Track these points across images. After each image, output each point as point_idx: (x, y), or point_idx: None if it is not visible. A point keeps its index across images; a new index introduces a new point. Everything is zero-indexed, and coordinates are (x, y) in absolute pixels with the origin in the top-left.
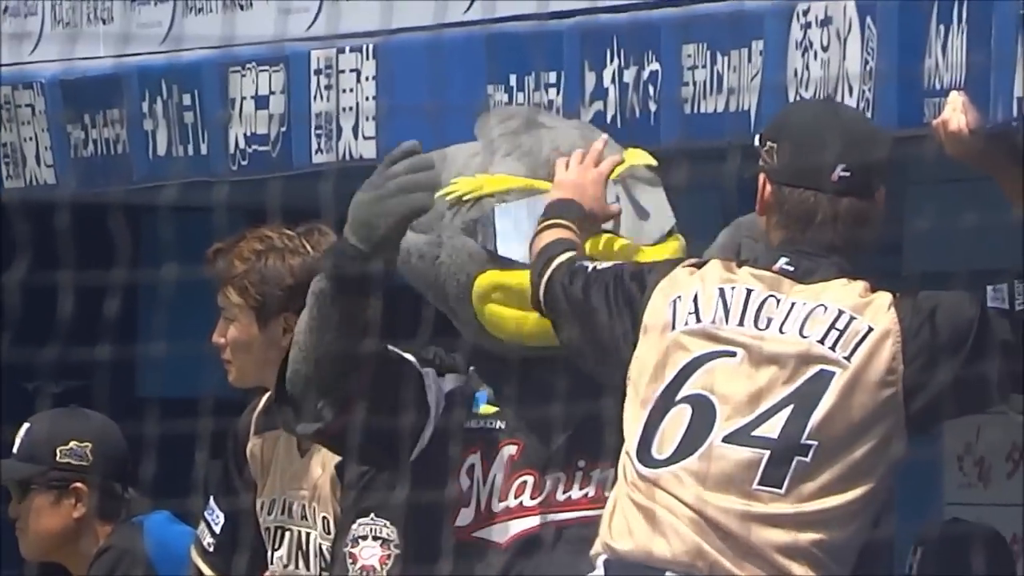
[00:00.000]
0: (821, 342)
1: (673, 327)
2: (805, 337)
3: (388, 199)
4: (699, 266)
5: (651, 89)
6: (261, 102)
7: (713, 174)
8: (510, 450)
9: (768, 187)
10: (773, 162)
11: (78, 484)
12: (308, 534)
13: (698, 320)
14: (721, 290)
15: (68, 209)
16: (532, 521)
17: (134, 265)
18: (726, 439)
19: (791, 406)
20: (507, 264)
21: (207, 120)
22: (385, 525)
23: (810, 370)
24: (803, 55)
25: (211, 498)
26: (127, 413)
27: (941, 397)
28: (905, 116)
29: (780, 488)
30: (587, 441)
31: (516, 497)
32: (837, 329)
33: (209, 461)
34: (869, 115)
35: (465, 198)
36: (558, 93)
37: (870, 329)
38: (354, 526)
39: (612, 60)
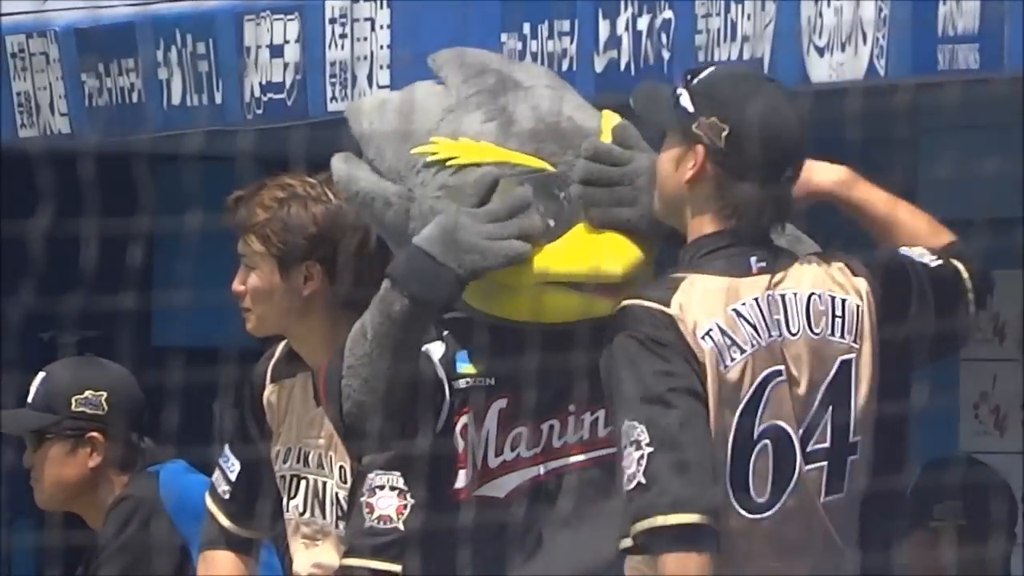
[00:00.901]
0: (832, 334)
1: (723, 362)
2: (817, 334)
3: (498, 241)
4: (677, 283)
5: (664, 37)
6: (276, 51)
7: None
8: (500, 404)
9: (708, 168)
10: (719, 143)
11: (94, 433)
12: (324, 483)
13: (741, 351)
14: (736, 311)
15: (85, 158)
16: (532, 471)
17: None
18: (806, 463)
19: (830, 407)
20: None
21: (222, 69)
22: (402, 475)
23: (832, 365)
24: (817, 2)
25: (226, 446)
26: (143, 362)
27: (916, 345)
28: (919, 63)
29: (842, 492)
30: (575, 386)
31: (512, 449)
32: (838, 316)
33: (228, 410)
34: (883, 62)
35: (448, 163)
36: (572, 41)
37: (857, 306)
38: (371, 476)
39: (626, 8)
